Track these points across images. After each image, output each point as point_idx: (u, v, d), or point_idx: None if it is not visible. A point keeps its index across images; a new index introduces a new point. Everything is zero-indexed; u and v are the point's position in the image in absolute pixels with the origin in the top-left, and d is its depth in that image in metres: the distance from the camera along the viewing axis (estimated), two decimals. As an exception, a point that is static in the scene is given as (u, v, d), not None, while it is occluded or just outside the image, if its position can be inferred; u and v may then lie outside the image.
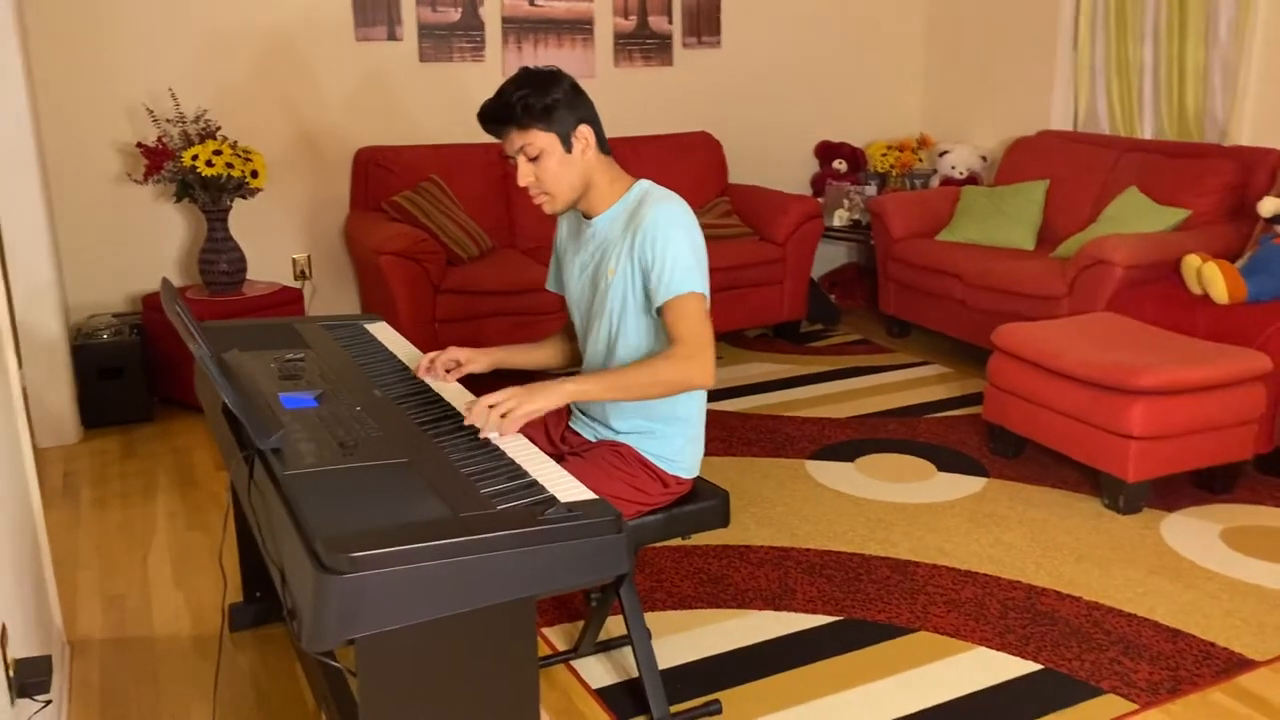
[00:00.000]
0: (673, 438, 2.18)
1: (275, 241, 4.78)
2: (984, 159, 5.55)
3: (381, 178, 4.74)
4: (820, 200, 5.28)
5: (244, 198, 4.27)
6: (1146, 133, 4.90)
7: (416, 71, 4.91)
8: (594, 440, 2.23)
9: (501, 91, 2.04)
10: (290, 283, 4.82)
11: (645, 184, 2.15)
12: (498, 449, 1.81)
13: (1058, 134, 5.22)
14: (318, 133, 4.78)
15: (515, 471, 1.71)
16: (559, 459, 2.18)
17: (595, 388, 1.98)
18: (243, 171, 4.10)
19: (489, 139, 5.07)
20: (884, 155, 5.68)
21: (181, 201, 4.20)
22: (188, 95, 4.43)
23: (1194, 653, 2.55)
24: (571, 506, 1.55)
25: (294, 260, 4.84)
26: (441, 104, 4.99)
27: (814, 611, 2.75)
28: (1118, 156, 4.77)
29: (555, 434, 2.29)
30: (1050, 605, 2.77)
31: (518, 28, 5.03)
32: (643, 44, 5.32)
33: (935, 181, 5.63)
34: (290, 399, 2.00)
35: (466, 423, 1.90)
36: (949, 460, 3.73)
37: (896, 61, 5.99)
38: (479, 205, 4.87)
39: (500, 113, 2.04)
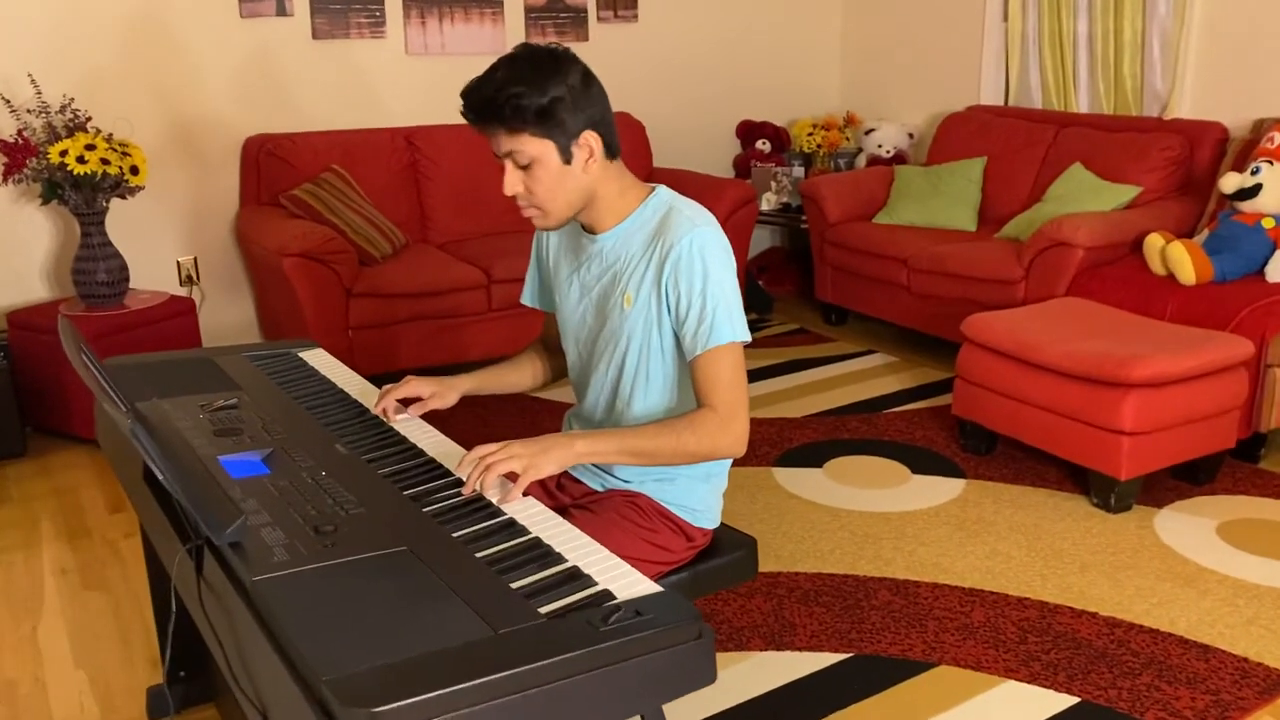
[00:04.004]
0: (696, 484, 1.85)
1: (157, 245, 4.26)
2: (911, 136, 5.36)
3: (276, 169, 4.26)
4: (749, 182, 5.01)
5: (122, 197, 3.76)
6: (1082, 106, 4.76)
7: (310, 50, 4.43)
8: (601, 490, 1.88)
9: (490, 77, 1.65)
10: (176, 290, 4.31)
11: (665, 194, 1.80)
12: (513, 521, 1.47)
13: (989, 109, 5.05)
14: (201, 121, 4.27)
15: (546, 555, 1.37)
16: (560, 512, 1.83)
17: (610, 449, 1.67)
18: (120, 168, 3.59)
19: (393, 123, 4.64)
20: (810, 134, 5.43)
21: (50, 203, 3.66)
22: (50, 82, 3.87)
23: (1230, 671, 2.37)
24: (639, 606, 1.22)
25: (179, 264, 4.33)
26: (339, 85, 4.53)
27: (819, 649, 2.48)
28: (1055, 131, 4.62)
29: (551, 481, 1.93)
30: (1068, 624, 2.56)
31: (420, 0, 4.59)
32: (556, 18, 4.94)
33: (862, 161, 5.41)
34: (234, 463, 1.61)
35: (459, 472, 1.59)
36: (921, 461, 3.51)
37: (815, 34, 5.74)
38: (387, 197, 4.44)
39: (485, 108, 1.64)
